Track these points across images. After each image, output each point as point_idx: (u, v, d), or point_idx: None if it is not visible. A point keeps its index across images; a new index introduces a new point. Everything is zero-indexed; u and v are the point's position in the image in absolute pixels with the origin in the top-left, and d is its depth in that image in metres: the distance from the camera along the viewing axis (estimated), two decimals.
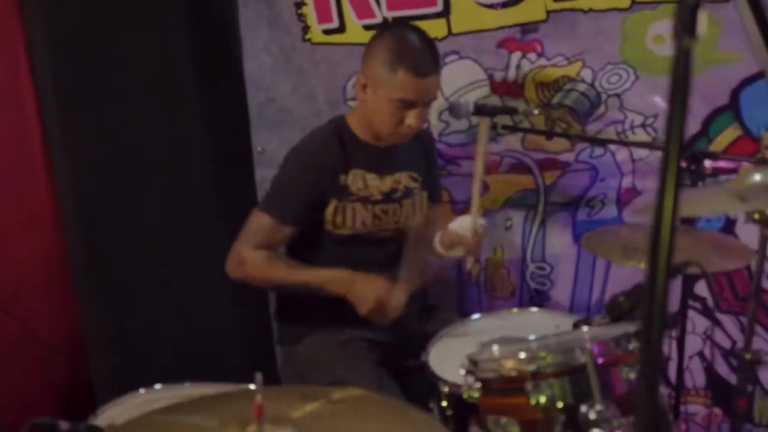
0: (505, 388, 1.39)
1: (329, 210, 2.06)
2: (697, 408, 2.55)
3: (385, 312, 1.95)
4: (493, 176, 2.47)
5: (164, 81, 2.43)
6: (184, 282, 2.33)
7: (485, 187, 2.48)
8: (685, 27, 0.67)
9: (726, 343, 2.50)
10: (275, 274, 2.05)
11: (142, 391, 1.76)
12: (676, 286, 2.28)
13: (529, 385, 1.34)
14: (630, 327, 1.40)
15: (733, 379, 2.52)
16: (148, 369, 1.87)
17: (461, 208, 2.54)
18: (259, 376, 1.19)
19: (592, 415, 1.27)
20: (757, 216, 1.49)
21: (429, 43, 2.03)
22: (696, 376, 2.54)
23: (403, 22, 2.23)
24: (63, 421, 1.36)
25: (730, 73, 2.21)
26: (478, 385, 1.45)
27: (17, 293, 1.91)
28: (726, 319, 2.47)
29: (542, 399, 1.34)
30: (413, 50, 1.97)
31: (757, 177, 1.49)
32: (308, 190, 2.05)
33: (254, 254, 2.04)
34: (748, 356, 1.59)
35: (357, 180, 2.07)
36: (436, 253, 2.15)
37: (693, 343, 2.47)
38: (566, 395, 1.32)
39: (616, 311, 1.38)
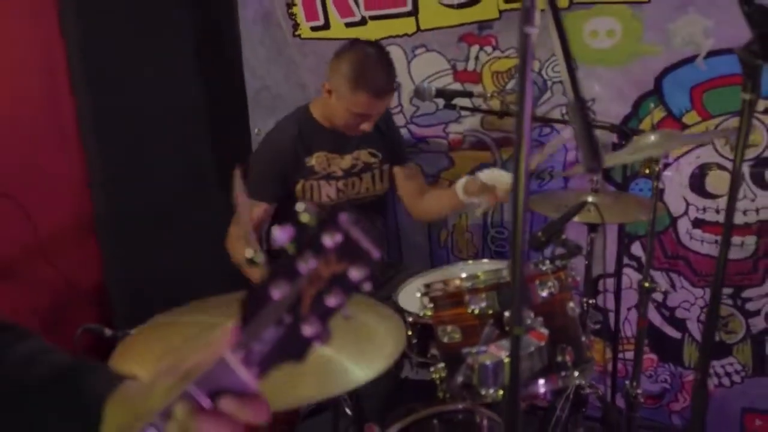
0: (449, 302, 1.77)
1: (298, 188, 2.42)
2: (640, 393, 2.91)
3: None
4: (457, 152, 2.86)
5: (175, 71, 2.82)
6: (189, 238, 2.71)
7: (452, 162, 2.87)
8: (528, 19, 1.06)
9: (658, 296, 2.87)
10: (231, 251, 2.35)
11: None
12: (614, 245, 2.67)
13: (467, 298, 1.73)
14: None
15: (665, 328, 2.91)
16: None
17: (431, 181, 2.93)
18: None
19: None
20: (647, 170, 1.87)
21: (389, 66, 2.29)
22: (633, 326, 2.87)
23: (368, 42, 2.41)
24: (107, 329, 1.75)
25: (653, 64, 2.55)
26: (431, 304, 1.83)
27: (56, 246, 2.28)
28: (657, 275, 2.83)
29: (477, 309, 1.73)
30: (374, 75, 2.23)
31: (652, 137, 1.87)
32: (273, 173, 2.39)
33: (232, 230, 2.36)
34: (646, 284, 1.98)
35: (321, 161, 2.42)
36: (456, 198, 2.38)
37: (630, 297, 2.81)
38: (495, 304, 1.70)
39: (535, 243, 1.77)
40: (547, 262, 1.75)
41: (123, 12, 2.59)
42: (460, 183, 2.37)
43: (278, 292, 0.69)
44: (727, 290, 2.75)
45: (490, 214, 2.92)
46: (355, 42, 2.41)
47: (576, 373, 1.72)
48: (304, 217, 0.71)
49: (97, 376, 0.81)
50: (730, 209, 1.35)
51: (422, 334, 2.10)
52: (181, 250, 2.71)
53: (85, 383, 0.80)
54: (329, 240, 0.70)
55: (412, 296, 2.22)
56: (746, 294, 2.72)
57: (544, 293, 1.73)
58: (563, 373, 1.71)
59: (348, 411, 2.64)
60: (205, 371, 0.70)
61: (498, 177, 2.31)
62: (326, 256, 0.71)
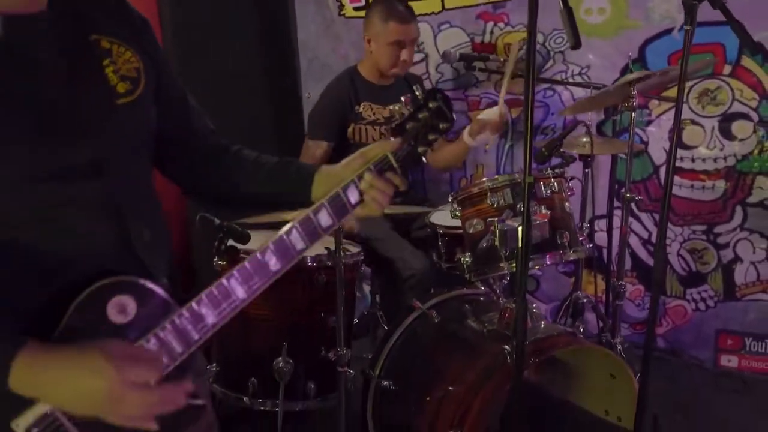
0: (473, 201, 2.31)
1: (350, 130, 2.98)
2: (626, 286, 3.42)
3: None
4: (473, 112, 3.41)
5: (239, 46, 3.37)
6: None
7: (470, 121, 3.41)
8: None
9: (644, 234, 3.40)
10: None
11: None
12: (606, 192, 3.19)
13: (488, 196, 2.27)
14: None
15: (651, 261, 3.42)
16: None
17: (452, 137, 3.47)
18: None
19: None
20: (626, 104, 2.42)
21: (406, 3, 2.94)
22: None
23: None
24: (215, 219, 2.28)
25: (637, 35, 3.09)
26: (459, 207, 2.37)
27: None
28: (644, 216, 3.37)
29: (496, 203, 2.26)
30: (396, 8, 2.88)
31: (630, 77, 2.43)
32: (331, 115, 2.97)
33: None
34: (627, 195, 2.53)
35: (366, 109, 3.00)
36: (463, 143, 2.94)
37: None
38: (509, 198, 2.24)
39: (540, 157, 2.32)
40: (550, 169, 2.30)
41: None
42: (465, 131, 2.93)
43: (408, 126, 1.35)
44: (701, 227, 3.29)
45: (502, 162, 3.46)
46: None
47: (571, 251, 2.25)
48: (417, 92, 1.38)
49: (304, 163, 1.42)
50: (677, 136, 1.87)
51: (449, 244, 2.65)
52: None
53: (300, 165, 1.40)
54: (432, 104, 1.35)
55: (442, 218, 2.78)
56: (717, 230, 3.26)
57: (548, 192, 2.27)
58: (562, 251, 2.24)
59: (386, 327, 3.17)
60: (378, 159, 1.31)
61: (491, 112, 2.89)
62: (429, 113, 1.35)
